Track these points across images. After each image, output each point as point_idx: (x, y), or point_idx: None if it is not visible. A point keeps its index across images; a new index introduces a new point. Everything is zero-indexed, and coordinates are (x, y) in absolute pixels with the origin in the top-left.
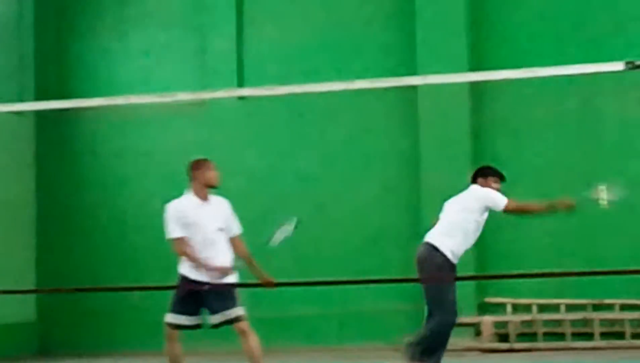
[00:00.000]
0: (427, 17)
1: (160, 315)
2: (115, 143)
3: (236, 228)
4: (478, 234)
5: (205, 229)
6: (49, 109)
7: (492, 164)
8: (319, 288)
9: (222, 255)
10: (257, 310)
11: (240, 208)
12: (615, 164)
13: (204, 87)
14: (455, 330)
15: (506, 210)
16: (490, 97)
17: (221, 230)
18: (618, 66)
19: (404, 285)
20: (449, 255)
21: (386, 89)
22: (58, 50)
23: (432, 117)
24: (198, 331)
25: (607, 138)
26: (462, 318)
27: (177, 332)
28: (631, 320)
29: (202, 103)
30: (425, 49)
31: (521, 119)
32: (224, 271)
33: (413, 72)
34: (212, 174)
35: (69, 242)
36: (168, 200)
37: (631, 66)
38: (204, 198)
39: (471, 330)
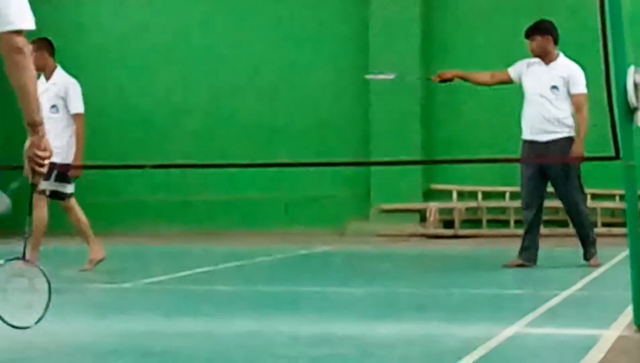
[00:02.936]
0: None
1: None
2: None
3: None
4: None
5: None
6: None
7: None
8: (266, 171)
9: None
10: (205, 192)
11: (187, 93)
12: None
13: None
14: (400, 215)
15: None
16: None
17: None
18: None
19: (351, 170)
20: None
21: None
22: None
23: (382, 1)
24: None
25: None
26: (408, 204)
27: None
28: None
29: None
30: None
31: (471, 3)
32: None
33: None
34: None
35: None
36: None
37: None
38: None
39: (416, 216)
